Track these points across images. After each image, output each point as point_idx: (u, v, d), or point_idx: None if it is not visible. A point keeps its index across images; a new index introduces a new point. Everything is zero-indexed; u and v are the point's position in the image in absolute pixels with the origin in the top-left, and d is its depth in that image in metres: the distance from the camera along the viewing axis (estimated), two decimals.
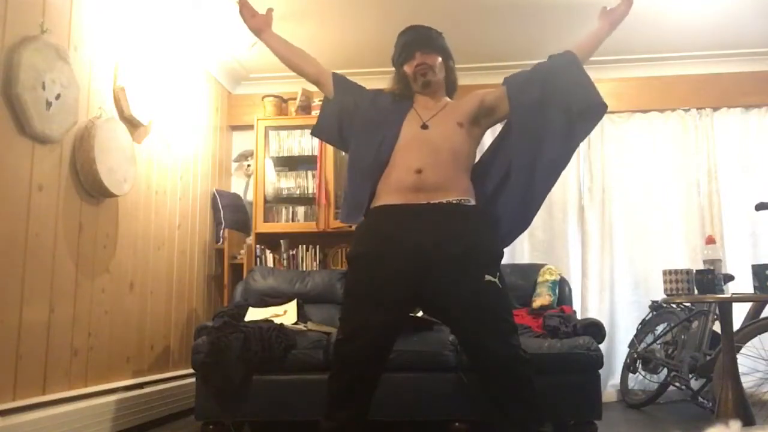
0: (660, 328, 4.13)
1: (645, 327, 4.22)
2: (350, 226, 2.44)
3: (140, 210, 3.50)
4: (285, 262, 4.56)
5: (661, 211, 4.59)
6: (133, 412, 3.24)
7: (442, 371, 3.03)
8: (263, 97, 4.78)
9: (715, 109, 4.65)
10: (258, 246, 4.51)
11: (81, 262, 2.94)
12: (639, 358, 4.10)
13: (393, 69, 2.46)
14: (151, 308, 3.62)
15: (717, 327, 3.36)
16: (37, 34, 2.60)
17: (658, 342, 4.07)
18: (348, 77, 2.51)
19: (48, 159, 2.72)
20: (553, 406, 2.83)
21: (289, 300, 3.75)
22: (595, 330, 3.18)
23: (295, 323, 3.49)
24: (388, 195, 2.22)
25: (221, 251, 4.51)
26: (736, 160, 4.59)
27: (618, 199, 4.64)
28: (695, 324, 3.79)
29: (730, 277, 3.21)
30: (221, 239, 4.53)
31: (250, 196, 4.78)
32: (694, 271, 2.96)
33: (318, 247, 4.57)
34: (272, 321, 3.34)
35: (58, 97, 2.68)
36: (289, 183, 4.73)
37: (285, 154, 4.73)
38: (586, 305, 4.49)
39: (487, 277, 2.12)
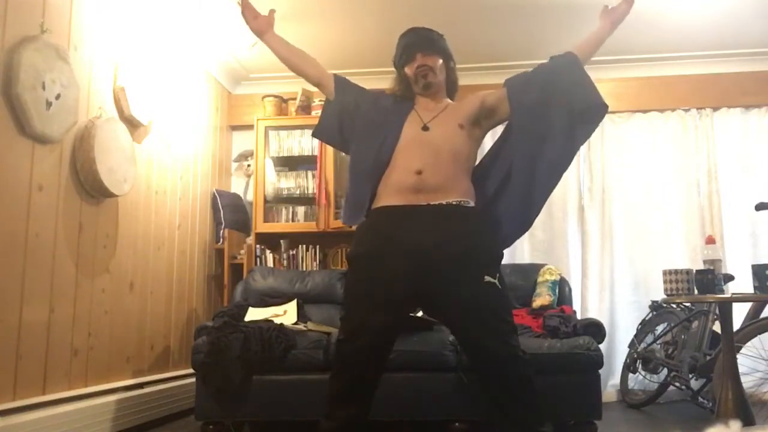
0: (660, 328, 4.13)
1: (645, 327, 4.22)
2: (350, 227, 2.44)
3: (140, 210, 3.50)
4: (285, 262, 4.56)
5: (661, 211, 4.59)
6: (133, 412, 3.24)
7: (442, 371, 3.03)
8: (263, 97, 4.78)
9: (715, 109, 4.65)
10: (258, 246, 4.51)
11: (81, 262, 2.94)
12: (639, 358, 4.10)
13: (393, 69, 2.47)
14: (151, 308, 3.62)
15: (717, 327, 3.36)
16: (37, 34, 2.60)
17: (658, 342, 4.07)
18: (348, 77, 2.51)
19: (48, 159, 2.72)
20: (553, 406, 2.83)
21: (289, 300, 3.75)
22: (595, 330, 3.18)
23: (295, 323, 3.49)
24: (388, 196, 2.23)
25: (221, 251, 4.51)
26: (736, 160, 4.59)
27: (618, 199, 4.64)
28: (695, 324, 3.79)
29: (730, 277, 3.21)
30: (221, 239, 4.53)
31: (250, 196, 4.78)
32: (694, 271, 2.96)
33: (318, 247, 4.58)
34: (272, 321, 3.34)
35: (58, 97, 2.68)
36: (289, 183, 4.73)
37: (285, 154, 4.73)
38: (586, 305, 4.49)
39: (487, 278, 2.12)
